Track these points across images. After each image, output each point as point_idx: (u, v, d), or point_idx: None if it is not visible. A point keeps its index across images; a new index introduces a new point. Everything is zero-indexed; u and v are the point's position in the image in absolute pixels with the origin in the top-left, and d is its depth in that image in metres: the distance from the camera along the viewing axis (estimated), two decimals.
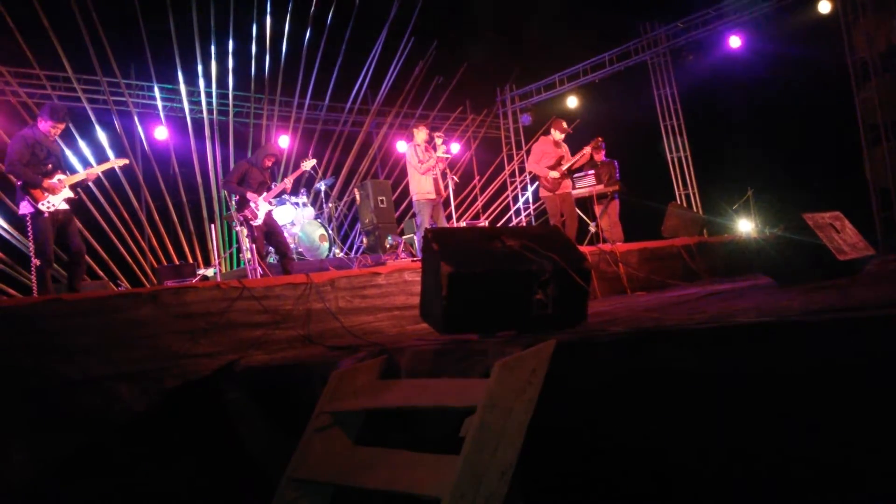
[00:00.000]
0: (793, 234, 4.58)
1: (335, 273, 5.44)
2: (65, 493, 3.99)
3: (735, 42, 11.73)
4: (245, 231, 7.15)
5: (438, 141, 7.89)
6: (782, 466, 2.20)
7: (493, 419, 2.42)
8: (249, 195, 6.98)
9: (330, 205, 9.89)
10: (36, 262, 5.41)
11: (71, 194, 5.68)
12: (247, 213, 6.98)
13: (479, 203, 14.24)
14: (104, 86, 10.22)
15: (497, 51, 13.16)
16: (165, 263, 9.96)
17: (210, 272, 8.74)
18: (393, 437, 2.95)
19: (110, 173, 8.70)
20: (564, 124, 8.74)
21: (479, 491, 2.32)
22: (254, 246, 7.02)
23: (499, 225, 13.59)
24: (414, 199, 7.93)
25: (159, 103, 10.97)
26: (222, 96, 11.37)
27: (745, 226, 9.96)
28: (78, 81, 10.04)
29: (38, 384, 4.06)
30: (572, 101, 13.98)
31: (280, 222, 7.69)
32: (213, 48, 10.94)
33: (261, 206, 7.01)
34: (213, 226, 10.32)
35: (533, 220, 14.58)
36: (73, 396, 4.12)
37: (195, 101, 11.21)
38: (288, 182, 7.48)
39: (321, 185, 9.74)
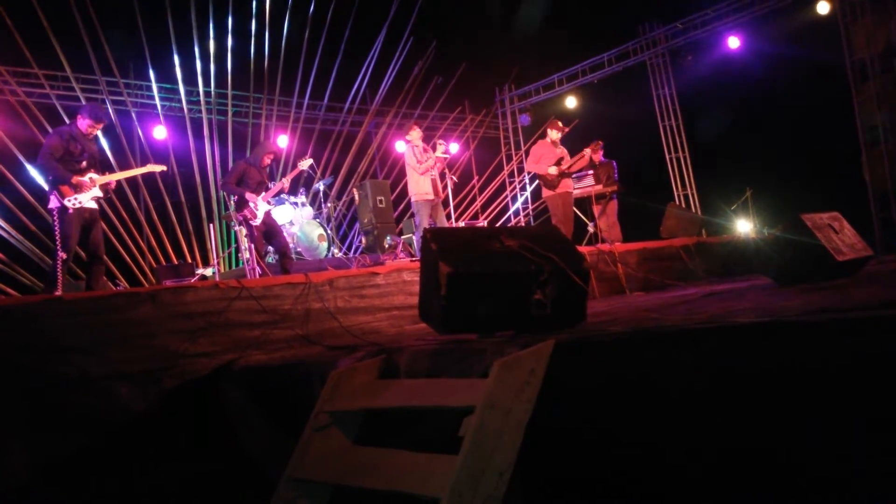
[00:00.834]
0: (791, 235, 4.59)
1: (334, 273, 5.44)
2: (64, 493, 3.99)
3: (734, 43, 11.74)
4: (244, 231, 7.15)
5: (440, 150, 7.89)
6: (782, 466, 2.20)
7: (492, 419, 2.42)
8: (248, 195, 6.98)
9: (329, 204, 9.89)
10: (62, 255, 5.45)
11: (100, 194, 5.73)
12: (246, 212, 6.97)
13: (478, 203, 14.25)
14: (103, 85, 10.23)
15: (496, 51, 13.17)
16: (164, 263, 9.96)
17: (209, 272, 8.74)
18: (392, 437, 2.95)
19: None
20: (560, 124, 8.77)
21: (477, 491, 2.32)
22: (252, 246, 7.01)
23: (497, 225, 13.59)
24: (412, 199, 7.94)
25: (158, 103, 10.96)
26: (221, 96, 11.37)
27: (744, 226, 9.97)
28: (76, 81, 10.04)
29: (36, 384, 4.05)
30: (571, 102, 13.98)
31: (279, 222, 7.69)
32: (211, 48, 10.94)
33: (259, 206, 7.01)
34: (211, 225, 10.31)
35: (532, 220, 14.59)
36: (72, 396, 4.11)
37: (194, 101, 11.21)
38: (286, 181, 7.48)
39: (319, 185, 9.74)
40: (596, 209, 9.14)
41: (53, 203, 5.53)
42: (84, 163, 5.65)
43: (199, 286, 4.78)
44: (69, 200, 5.50)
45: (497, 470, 2.38)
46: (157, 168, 6.58)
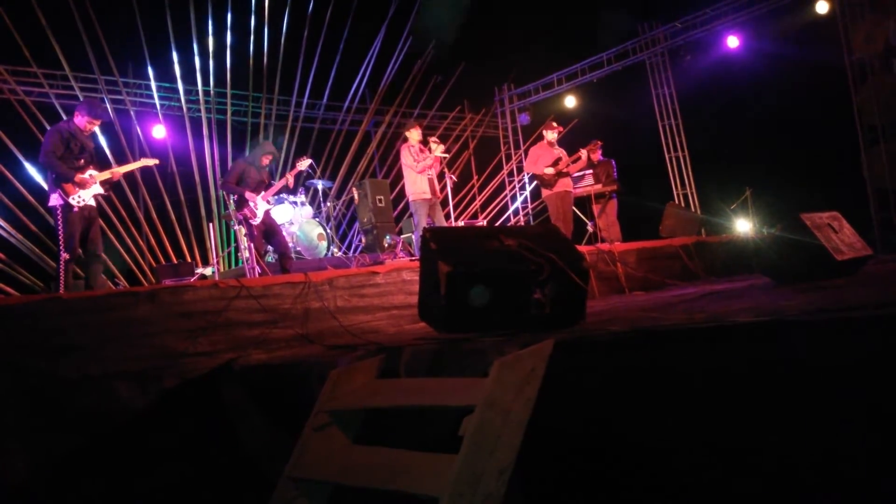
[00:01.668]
0: (791, 235, 4.59)
1: (333, 272, 5.44)
2: (63, 493, 3.99)
3: (733, 42, 11.74)
4: (243, 230, 7.15)
5: (435, 147, 7.88)
6: (782, 466, 2.20)
7: (492, 418, 2.42)
8: (248, 194, 6.98)
9: (328, 204, 9.89)
10: (65, 255, 5.44)
11: (101, 190, 5.73)
12: (245, 212, 6.97)
13: (478, 202, 14.25)
14: (101, 84, 10.22)
15: (495, 50, 13.17)
16: (164, 262, 9.97)
17: (208, 271, 8.74)
18: (391, 436, 2.95)
19: None
20: (555, 124, 8.81)
21: (477, 490, 2.32)
22: (252, 245, 7.01)
23: (497, 224, 13.59)
24: (410, 199, 7.94)
25: (157, 102, 10.96)
26: (220, 95, 11.36)
27: (743, 226, 9.97)
28: (75, 80, 10.03)
29: (36, 383, 4.05)
30: (570, 101, 13.98)
31: (278, 221, 7.69)
32: (210, 47, 10.94)
33: (259, 205, 7.01)
34: (211, 225, 10.32)
35: (531, 219, 14.59)
36: (72, 396, 4.11)
37: (193, 100, 11.20)
38: (289, 177, 7.47)
39: (318, 183, 9.73)
40: (595, 208, 9.15)
41: (56, 201, 5.52)
42: (83, 160, 5.65)
43: (198, 285, 4.78)
44: (74, 198, 5.50)
45: (497, 469, 2.38)
46: (151, 162, 6.54)
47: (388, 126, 13.27)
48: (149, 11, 10.21)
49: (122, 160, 9.80)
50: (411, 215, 8.32)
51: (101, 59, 10.06)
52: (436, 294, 3.42)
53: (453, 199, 8.49)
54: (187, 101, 11.12)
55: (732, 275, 6.90)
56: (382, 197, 9.77)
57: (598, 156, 9.53)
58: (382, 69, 12.84)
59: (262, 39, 11.43)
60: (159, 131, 10.91)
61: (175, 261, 9.91)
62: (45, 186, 5.98)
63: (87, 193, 5.59)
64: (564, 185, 8.53)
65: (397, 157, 8.04)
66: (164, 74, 10.94)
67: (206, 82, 11.13)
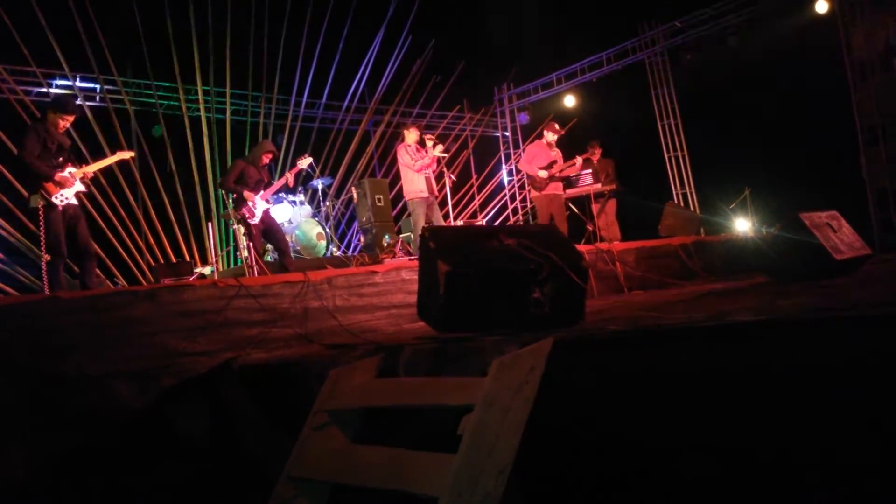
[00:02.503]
0: (790, 234, 4.59)
1: (332, 271, 5.43)
2: (63, 492, 3.99)
3: (732, 41, 11.74)
4: (242, 229, 7.14)
5: (429, 144, 7.88)
6: (782, 465, 2.20)
7: (491, 418, 2.42)
8: (246, 193, 6.97)
9: (327, 203, 9.88)
10: (46, 257, 5.33)
11: (82, 188, 5.65)
12: (244, 211, 6.97)
13: (477, 202, 14.25)
14: (101, 83, 10.20)
15: (495, 49, 13.18)
16: (162, 262, 9.96)
17: (207, 270, 8.74)
18: (390, 435, 2.95)
19: (107, 171, 8.68)
20: (557, 126, 8.82)
21: (476, 489, 2.32)
22: (251, 244, 7.01)
23: (496, 224, 13.59)
24: (407, 199, 7.93)
25: (156, 101, 10.95)
26: (219, 94, 11.36)
27: (743, 225, 9.97)
28: (74, 79, 10.02)
29: (35, 383, 4.05)
30: (570, 100, 13.97)
31: (277, 220, 7.69)
32: (210, 46, 10.93)
33: (258, 205, 7.01)
34: (210, 224, 10.32)
35: (531, 218, 14.59)
36: (71, 395, 4.11)
37: (192, 99, 11.19)
38: (289, 176, 7.46)
39: (318, 183, 9.73)
40: (594, 208, 9.15)
41: (36, 203, 5.39)
42: (61, 158, 5.55)
43: (197, 285, 4.77)
44: (56, 198, 5.41)
45: (496, 468, 2.38)
46: (127, 155, 6.34)
47: (387, 125, 13.26)
48: (148, 11, 10.20)
49: None
50: (409, 215, 8.32)
51: (100, 59, 10.06)
52: (435, 293, 3.42)
53: (452, 199, 8.49)
54: (186, 101, 11.11)
55: (731, 274, 6.90)
56: (381, 196, 9.76)
57: (598, 155, 9.53)
58: (382, 68, 12.85)
59: (262, 38, 11.42)
60: (158, 131, 10.90)
61: (174, 260, 9.90)
62: (24, 190, 5.79)
63: (70, 192, 5.50)
64: (555, 188, 8.57)
65: (396, 157, 8.04)
66: (164, 74, 10.93)
67: (205, 81, 11.12)
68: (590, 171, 9.25)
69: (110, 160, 6.21)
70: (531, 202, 13.92)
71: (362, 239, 9.94)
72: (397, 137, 12.74)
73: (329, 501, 3.00)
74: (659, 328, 2.85)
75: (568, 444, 2.68)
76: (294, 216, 8.58)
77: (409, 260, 6.88)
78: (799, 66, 10.29)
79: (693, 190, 12.76)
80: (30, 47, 9.42)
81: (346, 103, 12.88)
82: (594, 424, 2.65)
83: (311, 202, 9.58)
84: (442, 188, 8.46)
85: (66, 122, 5.65)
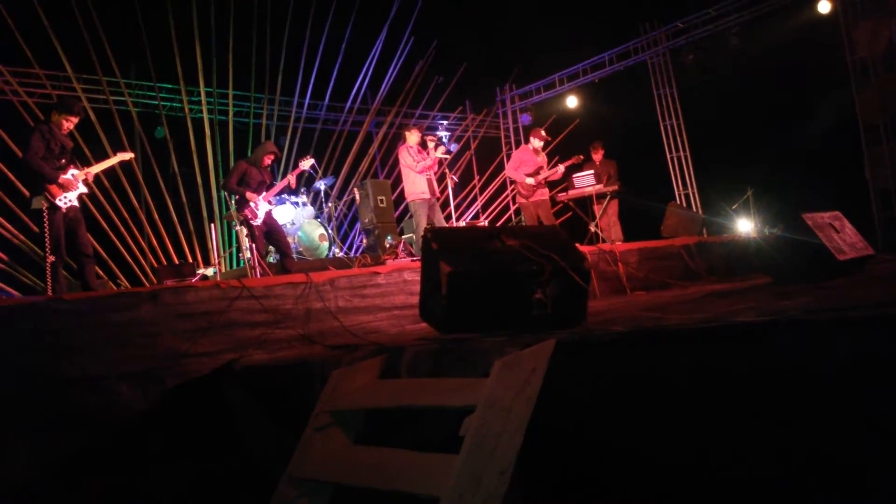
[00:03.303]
0: (792, 234, 4.59)
1: (335, 272, 5.44)
2: (65, 493, 4.00)
3: (734, 42, 11.73)
4: (245, 230, 7.15)
5: (431, 145, 7.88)
6: (784, 467, 2.20)
7: (493, 418, 2.42)
8: (249, 195, 6.98)
9: (330, 204, 9.89)
10: (51, 258, 5.36)
11: (84, 190, 5.68)
12: (246, 212, 6.98)
13: (479, 203, 14.25)
14: (104, 85, 10.22)
15: (497, 50, 13.19)
16: (165, 263, 9.97)
17: (210, 271, 8.74)
18: (392, 436, 2.95)
19: (110, 172, 8.70)
20: (543, 132, 8.95)
21: (477, 490, 2.32)
22: (253, 245, 7.02)
23: (498, 224, 13.59)
24: (409, 200, 7.94)
25: (159, 103, 10.97)
26: (222, 96, 11.37)
27: (745, 225, 9.95)
28: (78, 81, 10.04)
29: (38, 384, 4.06)
30: (572, 101, 13.97)
31: (280, 222, 7.70)
32: (213, 48, 10.95)
33: (260, 206, 7.01)
34: (212, 225, 10.33)
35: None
36: (74, 396, 4.12)
37: (195, 101, 11.21)
38: (291, 178, 7.47)
39: (320, 185, 9.74)
40: (597, 208, 9.15)
41: (40, 204, 5.42)
42: (64, 160, 5.58)
43: (200, 286, 4.78)
44: (60, 200, 5.44)
45: (498, 469, 2.37)
46: (127, 156, 6.35)
47: (389, 126, 13.27)
48: (151, 12, 10.21)
49: None
50: (411, 216, 8.33)
51: (103, 60, 10.07)
52: (437, 294, 3.42)
53: (455, 200, 8.49)
54: (189, 102, 11.13)
55: (734, 275, 6.90)
56: (384, 197, 9.77)
57: (600, 156, 9.53)
58: (384, 69, 12.86)
59: (265, 40, 11.44)
60: (161, 132, 10.91)
61: (177, 261, 9.92)
62: (26, 191, 5.80)
63: (73, 194, 5.53)
64: (541, 194, 8.69)
65: (398, 158, 8.05)
66: (167, 75, 10.95)
67: (208, 83, 11.14)
68: (592, 171, 9.25)
69: (111, 161, 6.23)
70: (514, 209, 14.01)
71: (365, 240, 9.94)
72: (400, 138, 12.76)
73: (331, 502, 3.00)
74: (661, 329, 2.85)
75: (570, 444, 2.68)
76: (297, 217, 8.59)
77: (412, 261, 6.88)
78: (801, 66, 10.28)
79: (695, 190, 12.74)
80: (33, 49, 9.43)
81: (348, 104, 12.89)
82: (597, 425, 2.64)
83: (313, 203, 9.58)
84: (444, 189, 8.45)
85: (70, 124, 5.67)
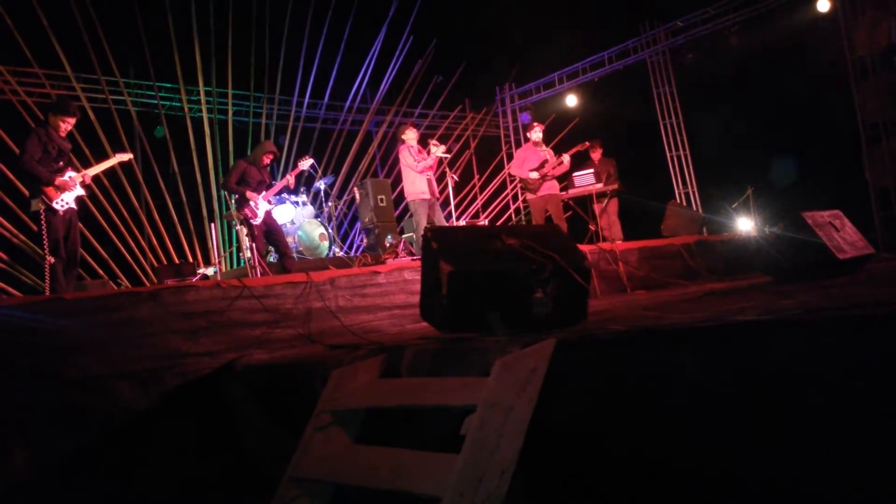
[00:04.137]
0: (792, 233, 4.59)
1: (335, 272, 5.44)
2: (65, 493, 4.00)
3: (734, 40, 11.73)
4: (245, 230, 7.15)
5: (435, 148, 7.87)
6: (785, 467, 2.20)
7: (494, 418, 2.42)
8: (248, 194, 6.98)
9: (330, 204, 9.89)
10: (50, 259, 5.36)
11: (82, 192, 5.67)
12: (246, 211, 6.98)
13: (479, 202, 14.24)
14: (103, 85, 10.22)
15: (496, 49, 13.18)
16: (165, 262, 9.96)
17: (210, 271, 8.74)
18: (393, 435, 2.95)
19: (110, 172, 8.69)
20: (535, 123, 8.84)
21: (478, 490, 2.32)
22: (253, 245, 7.02)
23: (498, 224, 13.59)
24: (409, 199, 7.93)
25: (158, 102, 10.96)
26: (221, 95, 11.37)
27: (745, 224, 9.95)
28: (77, 80, 10.03)
29: (38, 384, 4.06)
30: (571, 100, 13.97)
31: (280, 221, 7.69)
32: (212, 47, 10.94)
33: (260, 205, 7.01)
34: (212, 225, 10.32)
35: (524, 223, 14.59)
36: (74, 396, 4.12)
37: (194, 100, 11.21)
38: (290, 178, 7.47)
39: (320, 184, 9.74)
40: (596, 208, 9.15)
41: (37, 206, 5.41)
42: (61, 162, 5.57)
43: (200, 286, 4.78)
44: (58, 202, 5.44)
45: (499, 469, 2.38)
46: (126, 157, 6.34)
47: (389, 126, 13.27)
48: (150, 11, 10.21)
49: None
50: (411, 215, 8.32)
51: (102, 60, 10.07)
52: (437, 294, 3.42)
53: (455, 199, 8.48)
54: (188, 102, 11.12)
55: (734, 274, 6.90)
56: (384, 196, 9.76)
57: (599, 155, 9.53)
58: (383, 69, 12.85)
59: (264, 39, 11.43)
60: (160, 132, 10.91)
61: (177, 261, 9.91)
62: (26, 192, 5.79)
63: (70, 196, 5.53)
64: (549, 188, 8.49)
65: (398, 158, 8.04)
66: (166, 74, 10.94)
67: (207, 82, 11.14)
68: (591, 170, 9.24)
69: (110, 163, 6.22)
70: (524, 206, 13.99)
71: (365, 239, 9.94)
72: (397, 137, 12.76)
73: (332, 502, 3.00)
74: (661, 328, 2.85)
75: (571, 443, 2.68)
76: (297, 217, 8.58)
77: (412, 260, 6.88)
78: (801, 65, 10.28)
79: (695, 189, 12.75)
80: (32, 49, 9.42)
81: (347, 104, 12.89)
82: (597, 424, 2.64)
83: (313, 203, 9.58)
84: (444, 188, 8.45)
85: (67, 125, 5.65)
